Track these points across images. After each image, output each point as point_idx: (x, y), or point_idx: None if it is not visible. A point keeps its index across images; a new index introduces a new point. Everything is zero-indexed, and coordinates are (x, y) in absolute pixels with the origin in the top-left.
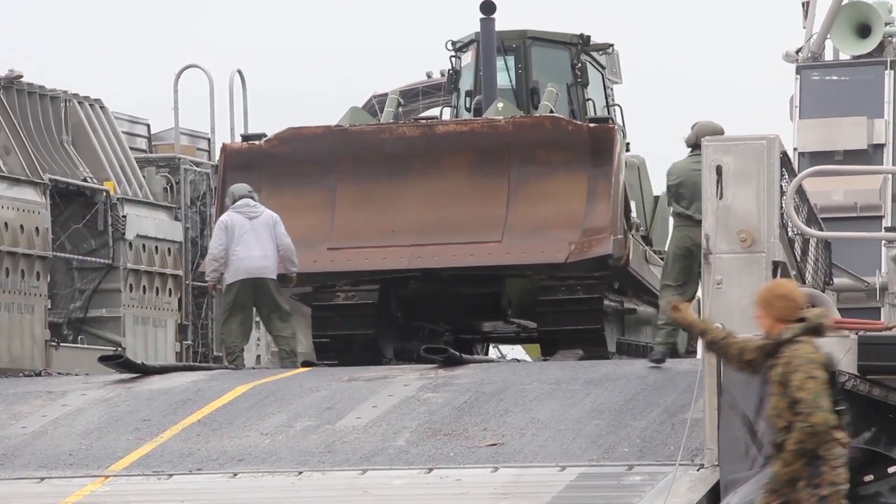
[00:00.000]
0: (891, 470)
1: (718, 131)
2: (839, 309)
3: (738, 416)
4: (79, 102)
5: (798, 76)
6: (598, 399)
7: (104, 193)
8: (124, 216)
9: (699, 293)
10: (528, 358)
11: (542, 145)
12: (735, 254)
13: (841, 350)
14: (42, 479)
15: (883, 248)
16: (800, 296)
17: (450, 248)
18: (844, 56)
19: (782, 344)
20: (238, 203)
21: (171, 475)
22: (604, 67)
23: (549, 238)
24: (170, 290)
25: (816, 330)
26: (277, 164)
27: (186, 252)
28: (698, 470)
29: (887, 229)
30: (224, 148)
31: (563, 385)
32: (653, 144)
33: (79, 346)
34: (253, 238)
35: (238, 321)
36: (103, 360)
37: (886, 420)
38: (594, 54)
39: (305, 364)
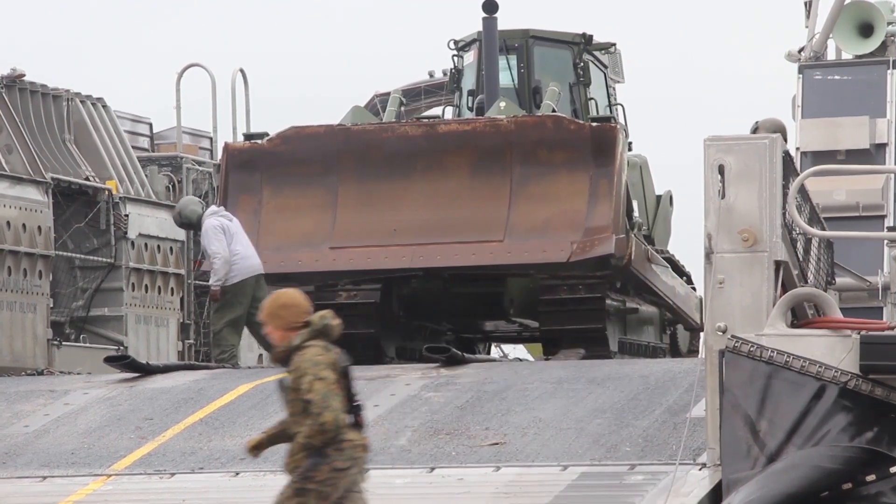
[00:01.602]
0: (893, 469)
1: (781, 127)
2: (841, 308)
3: (740, 415)
4: (81, 101)
5: (800, 76)
6: (600, 398)
7: (106, 192)
8: (126, 215)
9: (700, 293)
10: (530, 357)
11: (544, 145)
12: (737, 253)
13: (843, 350)
14: (44, 477)
15: (885, 248)
16: (303, 302)
17: (452, 248)
18: (847, 56)
19: (292, 351)
20: (211, 209)
21: (172, 474)
22: (606, 67)
23: (551, 237)
24: (172, 289)
25: (323, 332)
26: (279, 163)
27: (188, 251)
28: (700, 469)
29: (889, 229)
30: (226, 147)
31: (565, 384)
32: (655, 144)
33: (81, 345)
34: (243, 237)
35: (235, 321)
36: (109, 360)
37: (888, 420)
38: (596, 53)
39: None
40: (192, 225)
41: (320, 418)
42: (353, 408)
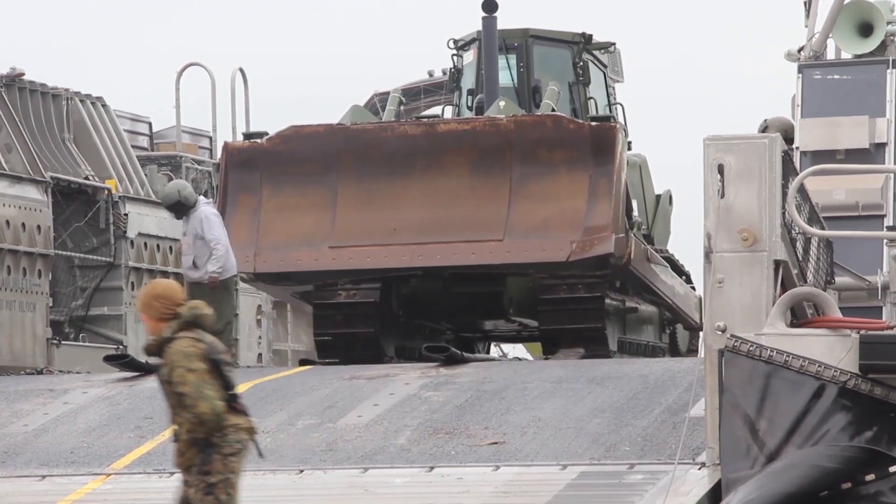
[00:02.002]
0: (892, 469)
1: (789, 126)
2: (841, 308)
3: (739, 414)
4: (80, 100)
5: (800, 75)
6: (599, 398)
7: (106, 191)
8: (126, 214)
9: (700, 292)
10: (529, 356)
11: (543, 144)
12: (736, 252)
13: (842, 349)
14: (43, 476)
15: (885, 248)
16: (176, 293)
17: (451, 247)
18: (846, 55)
19: (164, 343)
20: (202, 198)
21: (172, 473)
22: (605, 66)
23: (551, 237)
24: None
25: (194, 323)
26: (279, 162)
27: None
28: (699, 469)
29: (889, 228)
30: (226, 146)
31: (564, 384)
32: (655, 144)
33: (80, 344)
34: None
35: (234, 317)
36: (109, 359)
37: (888, 419)
38: (596, 53)
39: (305, 362)
40: (186, 207)
41: (196, 409)
42: (230, 396)
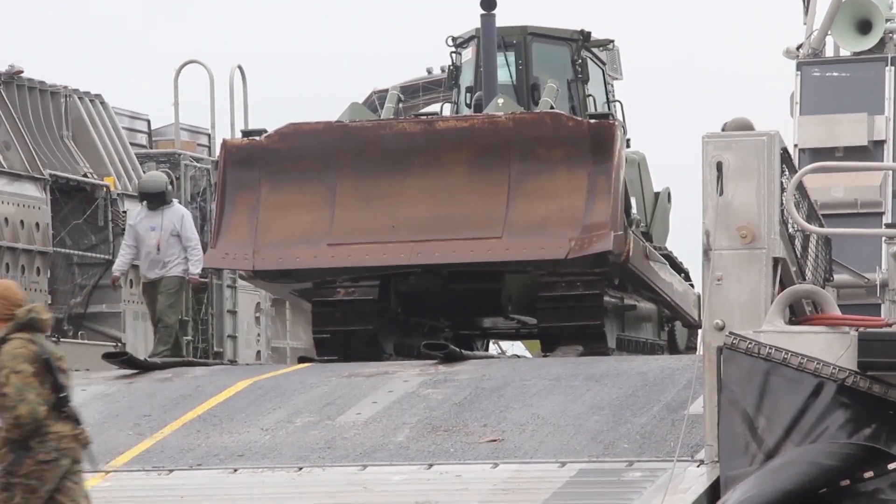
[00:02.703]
0: (891, 466)
1: (748, 126)
2: (839, 305)
3: (738, 412)
4: (79, 98)
5: (799, 72)
6: (598, 395)
7: (104, 189)
8: (124, 212)
9: (699, 290)
10: (528, 354)
11: (542, 141)
12: (735, 250)
13: (841, 346)
14: None
15: (883, 245)
16: (15, 294)
17: (450, 244)
18: (845, 52)
19: (1, 343)
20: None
21: (171, 471)
22: (604, 63)
23: (550, 234)
24: None
25: (30, 325)
26: (277, 159)
27: None
28: (698, 466)
29: (887, 226)
30: (224, 143)
31: (563, 381)
32: (654, 143)
33: (79, 341)
34: None
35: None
36: (107, 357)
37: (886, 416)
38: (595, 50)
39: (302, 360)
40: (164, 200)
41: (15, 411)
42: (60, 400)
